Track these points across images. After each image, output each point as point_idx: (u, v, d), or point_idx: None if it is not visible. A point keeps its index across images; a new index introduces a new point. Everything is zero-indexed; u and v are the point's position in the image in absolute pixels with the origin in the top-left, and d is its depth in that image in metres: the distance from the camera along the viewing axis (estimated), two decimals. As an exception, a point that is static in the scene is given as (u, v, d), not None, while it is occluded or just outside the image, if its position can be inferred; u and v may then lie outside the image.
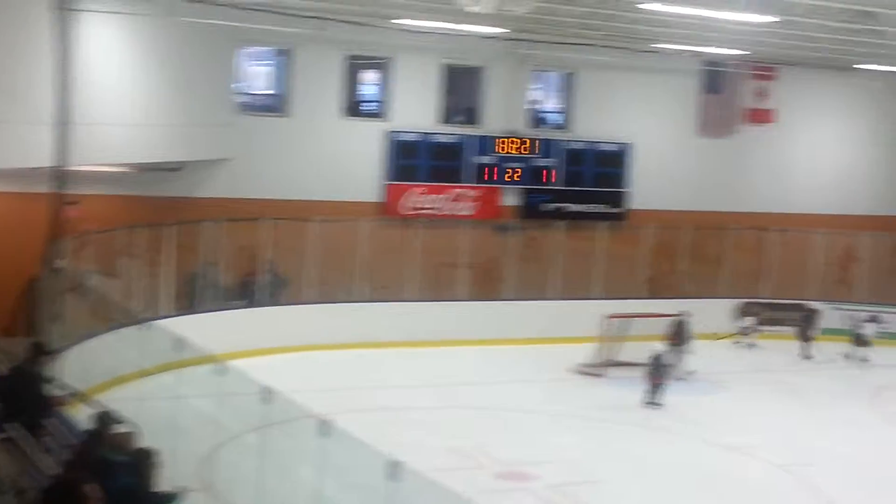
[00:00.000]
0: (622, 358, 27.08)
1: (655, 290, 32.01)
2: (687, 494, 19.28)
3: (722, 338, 31.13)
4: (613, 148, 32.45)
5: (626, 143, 32.41)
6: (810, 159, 35.43)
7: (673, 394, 25.04)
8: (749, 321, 31.54)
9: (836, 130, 35.82)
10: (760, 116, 34.61)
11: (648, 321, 27.24)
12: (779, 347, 30.94)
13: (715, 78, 33.77)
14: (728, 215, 33.69)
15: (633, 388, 25.51)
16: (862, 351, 30.11)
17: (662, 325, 27.38)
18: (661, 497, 19.07)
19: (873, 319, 30.83)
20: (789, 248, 33.50)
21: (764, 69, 33.98)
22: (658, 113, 33.32)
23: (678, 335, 27.36)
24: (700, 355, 27.15)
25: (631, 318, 27.40)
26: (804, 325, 30.76)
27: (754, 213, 34.14)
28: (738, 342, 31.41)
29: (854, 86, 34.76)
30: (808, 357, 30.06)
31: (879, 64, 31.43)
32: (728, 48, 29.67)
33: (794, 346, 30.58)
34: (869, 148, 36.09)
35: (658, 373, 24.68)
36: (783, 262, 33.35)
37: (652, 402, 24.52)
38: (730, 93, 34.18)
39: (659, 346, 25.46)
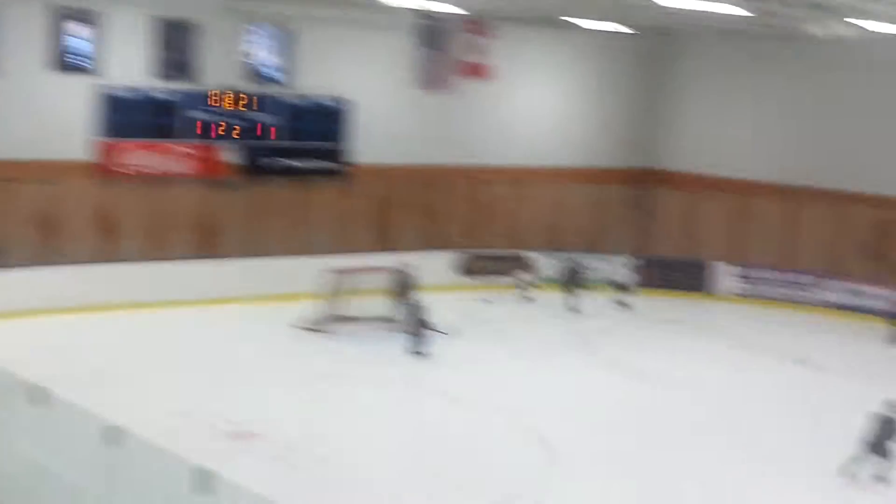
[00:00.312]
0: (347, 313, 27.16)
1: (380, 245, 32.20)
2: (415, 445, 19.59)
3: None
4: (335, 104, 32.29)
5: (348, 99, 32.32)
6: (528, 113, 36.30)
7: (401, 346, 25.39)
8: (526, 276, 32.17)
9: (551, 85, 36.83)
10: (479, 71, 35.13)
11: (373, 275, 27.42)
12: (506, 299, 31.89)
13: (433, 33, 33.99)
14: (451, 169, 34.23)
15: (359, 343, 25.76)
16: (623, 297, 31.64)
17: (386, 279, 27.60)
18: (392, 448, 19.31)
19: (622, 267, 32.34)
20: (510, 200, 34.44)
21: (481, 25, 34.52)
22: (379, 68, 33.34)
23: (401, 288, 27.65)
24: (428, 308, 27.51)
25: (354, 272, 27.48)
26: (568, 277, 31.59)
27: (477, 166, 34.78)
28: (523, 295, 31.97)
29: (566, 42, 35.87)
30: (574, 310, 30.85)
31: (588, 20, 32.51)
32: (446, 4, 29.96)
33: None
34: (581, 102, 37.33)
35: (418, 322, 25.15)
36: (505, 214, 34.26)
37: (416, 352, 24.99)
38: (448, 48, 34.51)
39: (417, 297, 25.80)
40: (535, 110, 36.36)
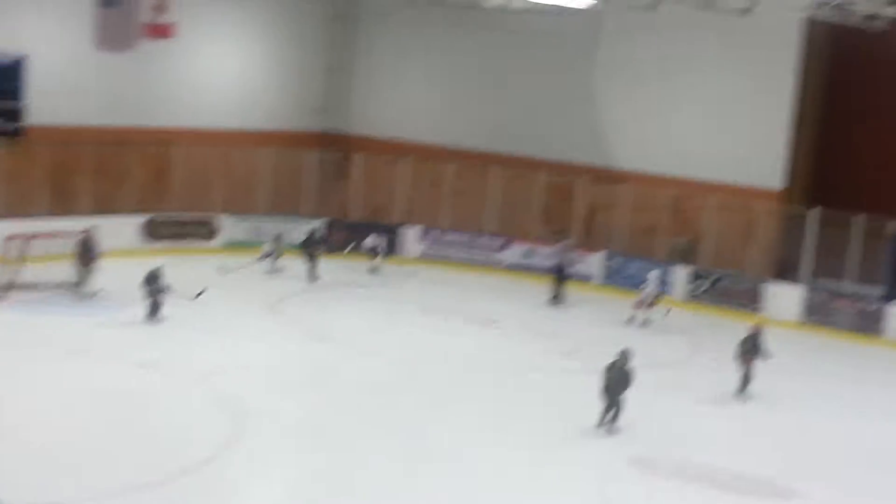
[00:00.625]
0: (25, 279, 25.98)
1: (59, 209, 30.82)
2: (104, 414, 19.02)
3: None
4: (8, 60, 30.65)
5: (21, 56, 30.74)
6: (215, 74, 35.68)
7: (83, 314, 24.59)
8: (270, 246, 31.12)
9: (238, 46, 36.36)
10: (160, 31, 34.17)
11: (54, 240, 26.35)
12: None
13: (114, -9, 32.91)
14: (133, 130, 33.14)
15: (39, 311, 24.69)
16: (373, 263, 32.01)
17: (68, 244, 26.59)
18: (79, 419, 18.70)
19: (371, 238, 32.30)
20: (197, 162, 33.68)
21: (161, -17, 33.66)
22: (57, 25, 31.82)
23: (84, 253, 26.71)
24: (109, 273, 26.66)
25: (32, 238, 26.28)
26: (309, 247, 31.01)
27: (160, 128, 33.87)
28: (266, 264, 30.97)
29: (250, 3, 35.47)
30: (315, 278, 30.51)
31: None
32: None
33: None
34: (270, 64, 37.08)
35: (155, 290, 24.50)
36: (191, 177, 33.50)
37: (152, 316, 24.56)
38: (127, 6, 33.45)
39: (155, 265, 24.92)
40: (222, 71, 35.83)
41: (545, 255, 32.27)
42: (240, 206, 33.93)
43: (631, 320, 28.25)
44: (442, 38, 37.01)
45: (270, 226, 32.55)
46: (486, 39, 35.97)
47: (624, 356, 19.74)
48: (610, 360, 19.78)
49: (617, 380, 19.48)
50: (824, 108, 32.37)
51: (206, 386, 20.70)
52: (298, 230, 32.34)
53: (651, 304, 28.39)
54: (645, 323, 28.08)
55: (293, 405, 20.09)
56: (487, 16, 34.04)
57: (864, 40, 29.36)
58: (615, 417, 19.64)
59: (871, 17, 27.70)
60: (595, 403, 19.84)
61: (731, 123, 32.35)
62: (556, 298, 30.15)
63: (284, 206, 34.49)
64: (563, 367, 24.25)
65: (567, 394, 22.09)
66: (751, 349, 22.35)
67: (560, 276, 30.41)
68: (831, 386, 24.67)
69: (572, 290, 30.59)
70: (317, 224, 32.96)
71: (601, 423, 19.61)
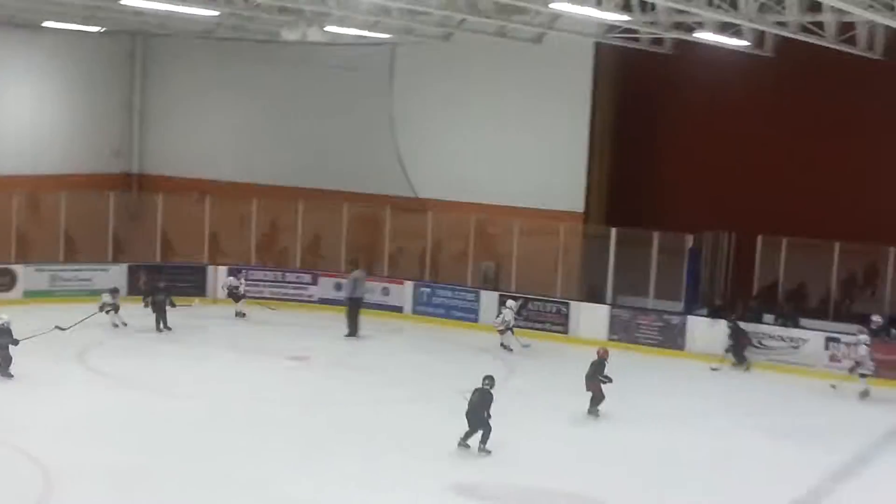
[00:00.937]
0: None
1: None
2: None
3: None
4: None
5: None
6: (2, 119, 34.47)
7: None
8: (109, 297, 29.26)
9: (27, 89, 35.19)
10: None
11: None
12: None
13: None
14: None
15: None
16: (240, 306, 31.51)
17: None
18: None
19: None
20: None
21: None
22: None
23: None
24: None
25: None
26: (151, 296, 29.75)
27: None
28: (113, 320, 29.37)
29: (37, 43, 34.50)
30: (162, 328, 29.37)
31: (62, 22, 31.47)
32: None
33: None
34: (58, 106, 36.03)
35: (4, 344, 23.62)
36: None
37: (4, 372, 23.65)
38: None
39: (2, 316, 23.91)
40: (12, 115, 34.68)
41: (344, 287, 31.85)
42: (38, 255, 32.74)
43: (504, 347, 28.82)
44: (241, 74, 36.65)
45: (71, 273, 31.55)
46: (285, 73, 35.80)
47: (490, 381, 20.20)
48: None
49: (480, 403, 19.88)
50: (619, 130, 33.15)
51: (15, 442, 19.79)
52: (113, 277, 31.44)
53: (509, 330, 28.93)
54: (506, 349, 28.74)
55: (107, 456, 19.27)
56: (285, 50, 33.78)
57: (654, 63, 30.26)
58: (485, 439, 19.95)
59: (657, 42, 28.58)
60: (415, 433, 20.27)
61: (531, 148, 32.87)
62: (351, 331, 29.93)
63: (86, 252, 33.40)
64: (377, 398, 24.14)
65: (383, 424, 21.98)
66: (597, 374, 22.99)
67: (352, 307, 30.24)
68: (646, 400, 25.07)
69: (385, 320, 30.57)
70: (159, 273, 31.72)
71: (462, 444, 19.97)
